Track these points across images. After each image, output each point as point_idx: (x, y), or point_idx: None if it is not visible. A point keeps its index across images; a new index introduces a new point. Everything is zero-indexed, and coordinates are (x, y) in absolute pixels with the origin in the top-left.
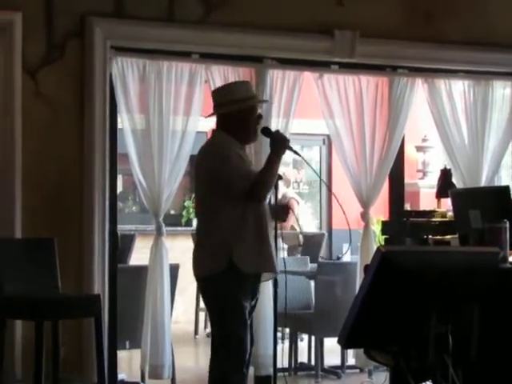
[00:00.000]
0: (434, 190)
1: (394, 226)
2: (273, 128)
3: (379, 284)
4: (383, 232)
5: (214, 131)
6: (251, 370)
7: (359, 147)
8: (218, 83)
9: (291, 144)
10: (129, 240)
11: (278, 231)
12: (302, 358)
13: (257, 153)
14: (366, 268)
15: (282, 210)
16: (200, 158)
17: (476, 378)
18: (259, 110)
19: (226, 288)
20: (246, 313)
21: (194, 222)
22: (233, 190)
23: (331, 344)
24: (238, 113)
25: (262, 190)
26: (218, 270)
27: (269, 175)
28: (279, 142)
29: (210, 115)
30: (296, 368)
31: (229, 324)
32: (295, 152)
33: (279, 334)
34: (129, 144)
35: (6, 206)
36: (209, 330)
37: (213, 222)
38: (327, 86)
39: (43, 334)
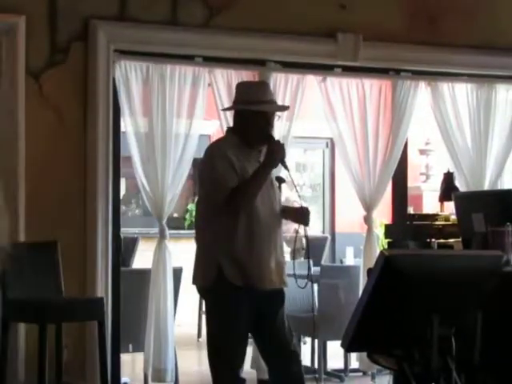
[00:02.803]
0: (438, 194)
1: (397, 229)
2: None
3: (382, 287)
4: (386, 235)
5: (226, 130)
6: (254, 374)
7: (362, 150)
8: (222, 86)
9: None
10: (132, 243)
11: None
12: (305, 361)
13: None
14: (369, 271)
15: (304, 214)
16: (200, 160)
17: (479, 381)
18: (277, 117)
19: (217, 298)
20: (240, 321)
21: None
22: (211, 200)
23: (334, 347)
24: (247, 114)
25: (240, 201)
26: (208, 282)
27: (253, 187)
28: (278, 153)
29: (225, 109)
30: None
31: (214, 326)
32: (286, 168)
33: None
34: (132, 147)
35: (9, 209)
36: None
37: (201, 232)
38: (330, 90)
39: (46, 337)
